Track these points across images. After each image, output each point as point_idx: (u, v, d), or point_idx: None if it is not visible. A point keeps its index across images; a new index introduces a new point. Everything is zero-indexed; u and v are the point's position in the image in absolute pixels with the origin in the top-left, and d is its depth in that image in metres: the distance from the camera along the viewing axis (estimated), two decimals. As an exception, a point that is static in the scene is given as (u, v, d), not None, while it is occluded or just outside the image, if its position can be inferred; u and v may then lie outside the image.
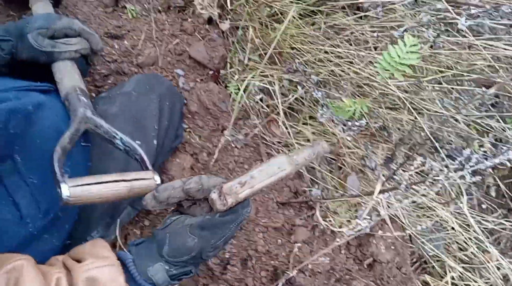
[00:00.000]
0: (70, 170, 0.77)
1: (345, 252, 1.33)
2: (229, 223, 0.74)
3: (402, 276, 1.35)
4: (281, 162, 0.78)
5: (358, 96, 1.43)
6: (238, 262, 1.20)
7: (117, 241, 1.05)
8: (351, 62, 1.37)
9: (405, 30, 1.28)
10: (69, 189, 0.71)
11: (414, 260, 1.47)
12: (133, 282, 0.72)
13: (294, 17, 1.44)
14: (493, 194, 1.56)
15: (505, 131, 1.38)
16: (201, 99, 1.33)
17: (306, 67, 1.42)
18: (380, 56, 1.18)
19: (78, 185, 0.73)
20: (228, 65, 1.48)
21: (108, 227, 1.01)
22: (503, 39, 1.31)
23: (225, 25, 1.50)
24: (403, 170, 1.27)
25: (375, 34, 1.49)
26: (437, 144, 1.20)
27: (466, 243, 1.45)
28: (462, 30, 1.18)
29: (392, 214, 1.38)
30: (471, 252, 1.44)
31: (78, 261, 0.70)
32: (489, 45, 1.27)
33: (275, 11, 1.49)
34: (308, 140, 1.44)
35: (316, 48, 1.43)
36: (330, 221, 1.34)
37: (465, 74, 1.30)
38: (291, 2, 1.47)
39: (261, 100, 1.45)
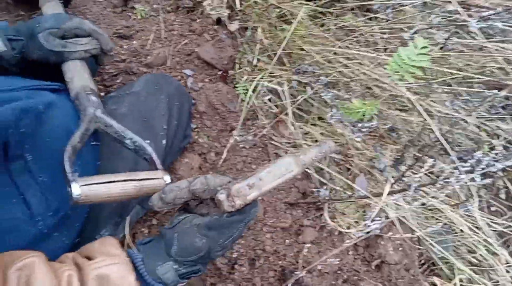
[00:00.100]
0: (80, 169, 0.77)
1: (353, 253, 1.33)
2: (237, 223, 0.74)
3: (410, 277, 1.34)
4: (289, 162, 0.78)
5: (368, 97, 1.43)
6: (246, 262, 1.20)
7: (125, 240, 1.05)
8: (360, 64, 1.37)
9: (416, 32, 1.27)
10: (79, 188, 0.72)
11: (423, 262, 1.46)
12: (142, 280, 0.72)
13: (303, 18, 1.44)
14: (503, 196, 1.54)
15: (515, 134, 1.37)
16: (210, 99, 1.33)
17: (315, 68, 1.42)
18: (390, 57, 1.18)
19: (88, 184, 0.73)
20: (237, 65, 1.48)
21: (117, 226, 1.02)
22: (515, 41, 1.30)
23: (234, 26, 1.50)
24: (412, 172, 1.27)
25: (385, 36, 1.49)
26: (447, 146, 1.19)
27: (475, 245, 1.44)
28: (473, 32, 1.17)
29: (400, 216, 1.38)
30: (480, 255, 1.43)
31: (88, 258, 0.71)
32: (500, 47, 1.26)
33: (284, 12, 1.49)
34: (316, 141, 1.44)
35: (326, 49, 1.43)
36: (338, 222, 1.33)
37: (475, 76, 1.29)
38: (300, 3, 1.47)
39: (269, 100, 1.45)
